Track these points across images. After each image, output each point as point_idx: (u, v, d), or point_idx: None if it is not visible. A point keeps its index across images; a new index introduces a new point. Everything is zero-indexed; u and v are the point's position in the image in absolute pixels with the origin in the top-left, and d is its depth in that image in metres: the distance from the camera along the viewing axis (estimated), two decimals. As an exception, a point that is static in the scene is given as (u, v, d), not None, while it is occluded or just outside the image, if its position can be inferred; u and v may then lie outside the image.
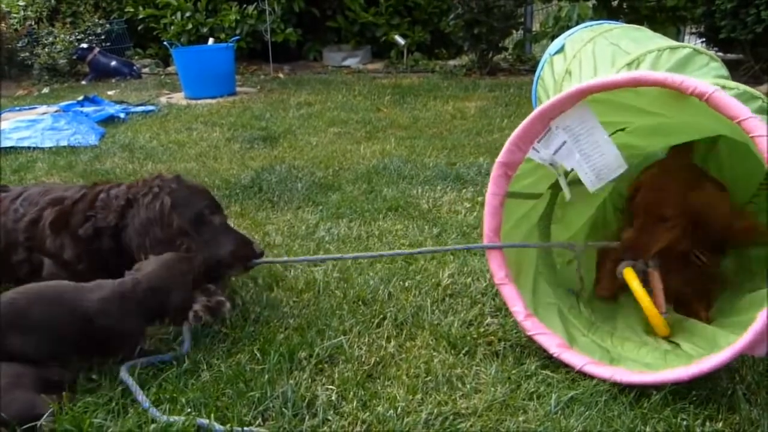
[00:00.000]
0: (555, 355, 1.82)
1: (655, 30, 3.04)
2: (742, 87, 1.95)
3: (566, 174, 2.13)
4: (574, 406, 1.63)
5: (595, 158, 1.93)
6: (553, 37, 3.15)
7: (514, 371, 1.78)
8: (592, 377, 1.73)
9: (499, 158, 1.98)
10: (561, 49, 2.80)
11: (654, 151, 2.55)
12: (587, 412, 1.60)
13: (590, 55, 2.53)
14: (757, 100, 1.94)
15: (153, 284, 1.83)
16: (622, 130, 2.33)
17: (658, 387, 1.66)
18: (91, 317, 1.72)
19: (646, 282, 2.04)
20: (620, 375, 1.71)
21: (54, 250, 2.11)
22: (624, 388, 1.68)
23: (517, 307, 1.93)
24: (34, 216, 2.18)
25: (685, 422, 1.56)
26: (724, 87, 1.90)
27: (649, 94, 1.82)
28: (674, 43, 2.38)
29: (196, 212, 2.11)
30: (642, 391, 1.67)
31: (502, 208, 2.01)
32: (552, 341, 1.86)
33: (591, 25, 2.91)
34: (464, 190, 3.38)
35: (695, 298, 2.11)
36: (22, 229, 2.18)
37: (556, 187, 2.28)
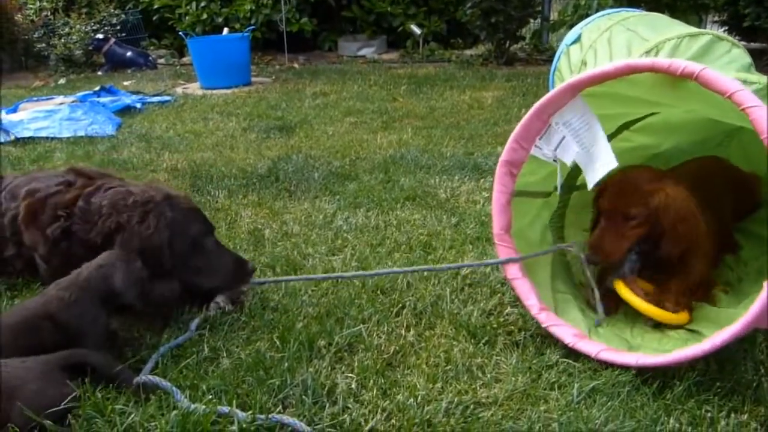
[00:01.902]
0: (571, 345, 1.81)
1: (676, 18, 2.99)
2: (765, 80, 1.91)
3: (566, 172, 2.12)
4: (596, 397, 1.62)
5: (593, 152, 1.92)
6: (571, 26, 3.10)
7: (534, 361, 1.77)
8: (613, 367, 1.71)
9: (503, 157, 2.00)
10: (577, 39, 2.76)
11: (666, 149, 2.53)
12: (609, 403, 1.58)
13: (606, 44, 2.49)
14: None
15: (93, 273, 1.78)
16: (627, 128, 2.30)
17: (681, 377, 1.64)
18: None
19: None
20: (641, 359, 1.70)
21: (31, 244, 2.08)
22: (647, 379, 1.67)
23: (531, 300, 1.92)
24: (15, 211, 2.15)
25: (709, 414, 1.54)
26: (745, 81, 1.86)
27: (645, 84, 1.80)
28: (694, 29, 2.33)
29: (190, 240, 2.03)
30: (665, 382, 1.65)
31: (510, 205, 2.01)
32: (567, 332, 1.85)
33: (608, 13, 2.87)
34: (482, 180, 3.36)
35: (674, 289, 2.05)
36: (8, 225, 2.16)
37: (568, 188, 2.27)
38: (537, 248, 2.18)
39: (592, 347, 1.78)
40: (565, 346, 1.83)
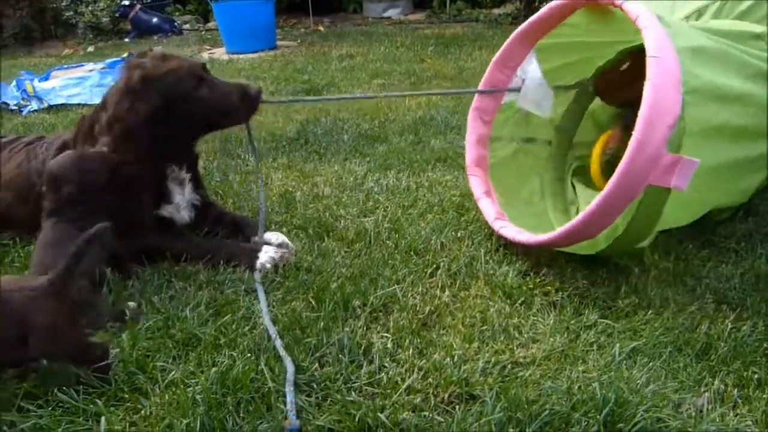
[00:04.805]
0: (496, 229, 2.16)
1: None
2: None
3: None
4: (637, 357, 1.59)
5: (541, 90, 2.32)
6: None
7: (572, 321, 1.74)
8: (654, 327, 1.68)
9: (473, 105, 2.44)
10: None
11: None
12: (651, 363, 1.55)
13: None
14: None
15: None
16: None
17: (726, 338, 1.61)
18: None
19: None
20: (531, 238, 1.98)
21: None
22: (689, 340, 1.63)
23: (489, 211, 2.23)
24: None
25: (756, 375, 1.51)
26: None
27: (580, 25, 2.16)
28: None
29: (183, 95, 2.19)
30: (709, 343, 1.62)
31: (481, 144, 2.41)
32: (512, 231, 2.09)
33: None
34: (514, 141, 3.28)
35: None
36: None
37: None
38: (534, 201, 2.52)
39: (508, 231, 2.10)
40: (604, 306, 1.81)
